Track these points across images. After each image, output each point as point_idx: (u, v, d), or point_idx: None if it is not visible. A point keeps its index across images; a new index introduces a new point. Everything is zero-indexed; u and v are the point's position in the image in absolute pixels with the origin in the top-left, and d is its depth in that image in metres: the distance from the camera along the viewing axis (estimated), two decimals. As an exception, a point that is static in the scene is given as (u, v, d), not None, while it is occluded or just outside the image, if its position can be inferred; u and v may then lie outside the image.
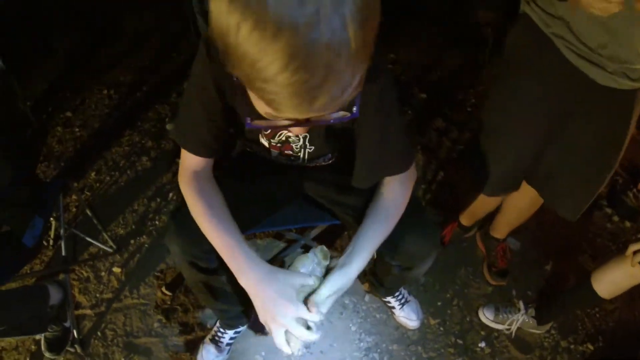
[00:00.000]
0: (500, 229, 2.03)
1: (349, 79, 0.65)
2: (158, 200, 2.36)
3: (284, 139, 1.20)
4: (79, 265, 2.13)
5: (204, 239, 1.15)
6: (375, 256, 1.65)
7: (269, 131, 1.17)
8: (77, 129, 2.77)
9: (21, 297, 1.75)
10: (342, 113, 0.81)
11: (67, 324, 1.88)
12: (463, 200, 2.08)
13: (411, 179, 1.19)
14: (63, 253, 1.91)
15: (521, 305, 1.91)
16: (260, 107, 0.75)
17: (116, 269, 2.12)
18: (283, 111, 0.69)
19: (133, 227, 2.27)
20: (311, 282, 1.02)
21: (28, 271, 2.10)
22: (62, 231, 1.89)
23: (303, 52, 0.58)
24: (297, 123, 0.79)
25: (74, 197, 2.37)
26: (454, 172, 2.48)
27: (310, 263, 1.06)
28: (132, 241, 2.21)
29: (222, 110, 1.09)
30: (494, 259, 2.06)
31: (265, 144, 1.24)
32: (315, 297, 1.00)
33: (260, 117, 0.80)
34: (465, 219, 2.09)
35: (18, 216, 1.66)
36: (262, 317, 1.04)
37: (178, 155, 1.25)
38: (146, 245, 2.20)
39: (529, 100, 1.38)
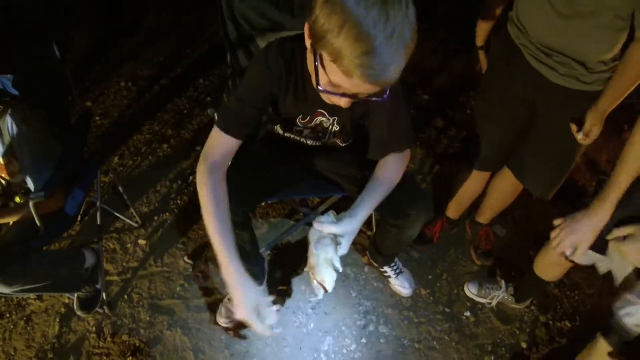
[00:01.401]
0: (485, 214, 2.29)
1: (401, 68, 1.00)
2: (179, 182, 2.59)
3: (318, 122, 1.49)
4: (106, 238, 2.34)
5: (235, 194, 1.39)
6: (375, 220, 2.08)
7: (308, 118, 1.48)
8: (97, 118, 2.97)
9: (63, 257, 1.98)
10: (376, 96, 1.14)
11: (98, 286, 2.10)
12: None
13: (407, 157, 1.49)
14: (98, 222, 2.13)
15: (502, 283, 2.16)
16: (335, 77, 1.06)
17: (141, 241, 2.34)
18: (355, 80, 1.01)
19: (156, 205, 2.49)
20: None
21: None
22: (98, 203, 2.11)
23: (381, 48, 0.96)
24: (350, 96, 1.11)
25: (101, 177, 2.58)
26: (450, 167, 2.75)
27: (326, 218, 1.32)
28: (155, 217, 2.44)
29: (266, 100, 1.39)
30: (479, 241, 2.34)
31: (300, 127, 1.53)
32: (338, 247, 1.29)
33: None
34: (452, 211, 2.33)
35: (64, 189, 1.89)
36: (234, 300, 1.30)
37: (197, 144, 1.49)
38: (169, 221, 2.42)
39: (505, 95, 1.74)
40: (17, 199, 1.82)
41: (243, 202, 1.54)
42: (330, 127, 1.52)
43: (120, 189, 2.30)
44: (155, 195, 2.53)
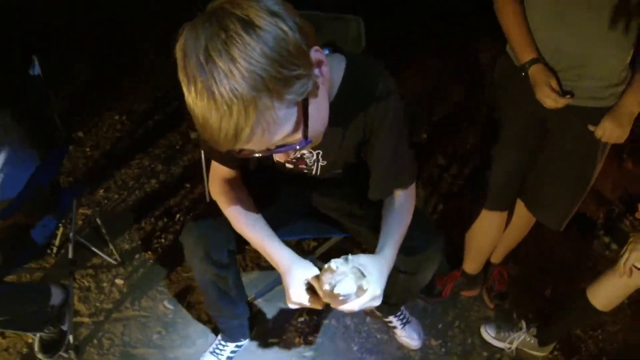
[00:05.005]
0: (496, 253, 2.12)
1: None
2: (165, 219, 2.42)
3: (298, 155, 1.33)
4: (81, 274, 2.14)
5: (218, 234, 1.33)
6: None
7: None
8: (87, 149, 2.85)
9: (25, 290, 1.80)
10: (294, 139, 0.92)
11: (64, 328, 1.88)
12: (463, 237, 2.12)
13: (413, 193, 1.36)
14: (70, 255, 1.93)
15: (523, 324, 1.97)
16: None
17: (119, 281, 2.14)
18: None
19: (139, 242, 2.31)
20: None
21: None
22: (71, 234, 1.92)
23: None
24: (266, 153, 0.92)
25: (81, 210, 2.41)
26: (455, 206, 2.60)
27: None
28: (137, 256, 2.25)
29: None
30: (493, 282, 2.15)
31: (281, 160, 1.35)
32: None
33: None
34: (470, 265, 2.09)
35: (35, 212, 1.72)
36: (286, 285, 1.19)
37: (187, 180, 1.39)
38: (151, 261, 2.23)
39: (513, 120, 1.64)
40: None
41: (228, 241, 1.39)
42: (316, 162, 1.35)
43: (99, 220, 2.12)
44: (138, 232, 2.35)
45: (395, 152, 1.27)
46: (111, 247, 2.19)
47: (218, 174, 1.34)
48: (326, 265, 1.07)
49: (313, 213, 1.64)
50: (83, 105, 3.20)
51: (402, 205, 1.31)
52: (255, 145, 0.87)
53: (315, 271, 1.16)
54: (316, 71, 0.89)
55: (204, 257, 1.35)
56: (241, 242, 1.39)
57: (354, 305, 1.08)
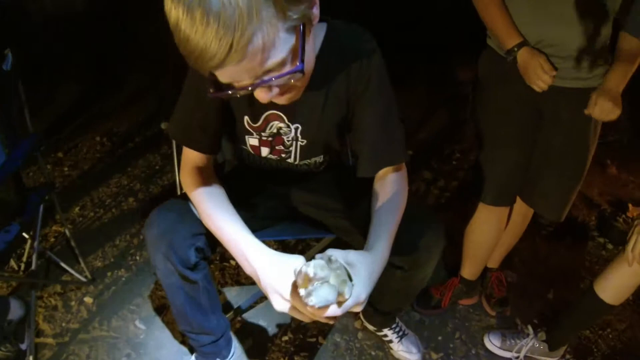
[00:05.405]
0: (493, 257, 2.01)
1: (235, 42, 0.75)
2: (141, 237, 2.29)
3: (275, 130, 1.22)
4: (48, 292, 1.99)
5: (184, 227, 1.19)
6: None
7: (260, 122, 1.21)
8: (66, 169, 2.76)
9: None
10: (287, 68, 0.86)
11: (23, 346, 1.72)
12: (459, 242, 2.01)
13: (405, 174, 1.23)
14: (33, 267, 1.79)
15: (530, 329, 1.84)
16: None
17: (88, 299, 1.99)
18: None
19: (112, 260, 2.17)
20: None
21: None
22: (35, 243, 1.79)
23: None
24: (251, 86, 0.85)
25: (54, 227, 2.29)
26: (444, 218, 2.48)
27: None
28: (109, 273, 2.11)
29: (217, 108, 1.17)
30: (491, 289, 2.04)
31: (256, 142, 1.27)
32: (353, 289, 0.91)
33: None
34: (468, 270, 1.97)
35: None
36: (265, 291, 0.99)
37: (166, 199, 1.28)
38: (124, 279, 2.09)
39: (505, 112, 1.61)
40: None
41: (196, 237, 1.22)
42: (294, 141, 1.25)
43: (67, 231, 2.00)
44: (112, 250, 2.22)
45: (384, 120, 1.17)
46: (82, 264, 2.05)
47: (189, 162, 1.23)
48: (302, 267, 0.87)
49: (293, 215, 1.52)
50: (64, 126, 3.14)
51: (395, 188, 1.17)
52: (246, 69, 0.80)
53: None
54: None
55: (167, 252, 1.19)
56: (213, 244, 1.24)
57: (334, 312, 0.90)
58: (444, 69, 4.04)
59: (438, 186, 2.78)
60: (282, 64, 0.84)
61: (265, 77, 0.84)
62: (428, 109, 3.55)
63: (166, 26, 0.78)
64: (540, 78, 1.40)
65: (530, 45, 1.45)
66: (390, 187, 1.17)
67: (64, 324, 1.90)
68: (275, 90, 0.92)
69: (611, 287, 1.55)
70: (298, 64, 0.86)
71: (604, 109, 1.39)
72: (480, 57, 1.68)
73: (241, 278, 2.09)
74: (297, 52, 0.85)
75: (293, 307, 0.94)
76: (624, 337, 1.99)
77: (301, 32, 0.84)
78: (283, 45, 0.81)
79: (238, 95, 0.87)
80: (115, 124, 3.20)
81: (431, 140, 3.23)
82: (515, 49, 1.44)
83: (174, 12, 0.75)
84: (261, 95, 0.92)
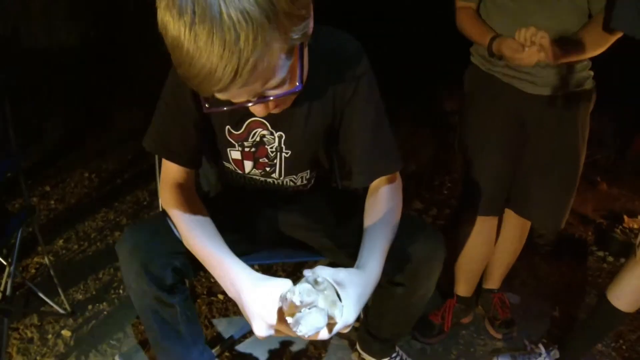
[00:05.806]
0: (493, 277, 1.99)
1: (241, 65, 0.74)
2: (125, 271, 2.23)
3: (258, 139, 1.19)
4: (25, 324, 1.92)
5: (161, 244, 1.14)
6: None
7: (242, 130, 1.18)
8: (52, 202, 2.74)
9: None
10: (286, 87, 0.87)
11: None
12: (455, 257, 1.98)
13: (400, 185, 1.22)
14: (8, 292, 1.73)
15: (542, 348, 1.77)
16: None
17: (66, 332, 1.92)
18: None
19: (94, 293, 2.11)
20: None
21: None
22: (12, 268, 1.74)
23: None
24: (249, 103, 0.86)
25: (36, 259, 2.23)
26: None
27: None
28: (90, 306, 2.04)
29: (196, 120, 1.14)
30: (494, 311, 1.99)
31: (238, 155, 1.23)
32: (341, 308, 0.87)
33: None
34: (463, 286, 1.95)
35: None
36: (247, 316, 0.95)
37: None
38: (105, 312, 2.02)
39: (489, 123, 1.67)
40: None
41: (174, 256, 1.16)
42: (278, 152, 1.22)
43: (47, 261, 1.96)
44: (95, 283, 2.16)
45: (375, 126, 1.15)
46: (62, 295, 1.99)
47: (170, 178, 1.19)
48: (287, 294, 0.83)
49: (280, 238, 1.48)
50: (53, 162, 3.13)
51: (389, 205, 1.14)
52: (247, 90, 0.81)
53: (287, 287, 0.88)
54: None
55: (140, 271, 1.12)
56: (195, 266, 1.17)
57: (323, 336, 0.88)
58: (431, 99, 4.17)
59: (430, 215, 2.79)
60: (281, 82, 0.85)
61: (265, 95, 0.86)
62: (416, 140, 3.62)
63: (160, 62, 0.78)
64: (517, 51, 1.39)
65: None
66: (384, 202, 1.15)
67: (38, 358, 1.82)
68: (272, 104, 0.94)
69: (625, 294, 1.52)
70: (297, 84, 0.87)
71: (532, 54, 1.38)
72: (464, 74, 1.76)
73: (230, 312, 2.03)
74: (296, 70, 0.86)
75: (277, 330, 0.91)
76: (638, 347, 1.96)
77: (299, 51, 0.85)
78: (283, 66, 0.82)
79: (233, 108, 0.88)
80: (104, 161, 3.20)
81: (420, 171, 3.28)
82: (491, 41, 1.51)
83: (174, 25, 0.72)
84: (258, 109, 0.93)
